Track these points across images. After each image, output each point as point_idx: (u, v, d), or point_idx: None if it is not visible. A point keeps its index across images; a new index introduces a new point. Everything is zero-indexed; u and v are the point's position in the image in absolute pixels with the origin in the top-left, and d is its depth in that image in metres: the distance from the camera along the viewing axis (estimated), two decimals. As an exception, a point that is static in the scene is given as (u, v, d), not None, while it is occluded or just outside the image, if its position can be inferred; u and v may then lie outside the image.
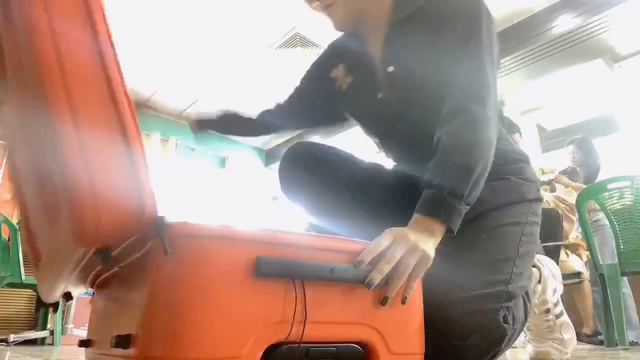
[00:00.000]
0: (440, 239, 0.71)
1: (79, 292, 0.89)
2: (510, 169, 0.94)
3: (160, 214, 0.52)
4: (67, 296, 0.88)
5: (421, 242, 0.65)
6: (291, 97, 1.21)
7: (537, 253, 1.03)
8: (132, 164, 0.51)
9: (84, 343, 0.82)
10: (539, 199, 0.95)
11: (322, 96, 1.12)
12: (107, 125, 0.52)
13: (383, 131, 1.04)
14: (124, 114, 0.53)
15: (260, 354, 0.51)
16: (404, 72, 0.93)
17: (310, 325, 0.54)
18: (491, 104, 0.82)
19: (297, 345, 0.53)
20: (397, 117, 0.98)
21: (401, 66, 0.93)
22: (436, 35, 0.89)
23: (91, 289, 0.87)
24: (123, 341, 0.51)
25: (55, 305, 0.93)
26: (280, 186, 1.07)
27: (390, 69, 0.95)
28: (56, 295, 0.85)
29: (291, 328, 0.52)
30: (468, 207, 0.75)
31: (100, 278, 0.78)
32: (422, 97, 0.92)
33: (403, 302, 0.62)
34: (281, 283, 0.53)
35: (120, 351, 0.53)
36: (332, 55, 1.11)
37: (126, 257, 0.60)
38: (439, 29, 0.89)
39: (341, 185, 1.02)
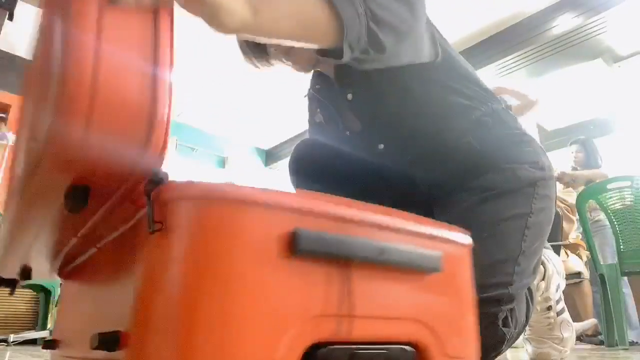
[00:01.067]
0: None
1: (41, 274, 0.75)
2: (505, 156, 0.89)
3: (161, 167, 0.39)
4: (25, 274, 0.72)
5: None
6: None
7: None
8: (153, 76, 0.39)
9: (48, 345, 0.70)
10: (545, 178, 0.87)
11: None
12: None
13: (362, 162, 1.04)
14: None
15: (298, 358, 0.40)
16: (361, 96, 0.92)
17: (357, 320, 0.43)
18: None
19: (343, 347, 0.42)
20: (374, 143, 0.98)
21: (356, 91, 0.92)
22: None
23: (59, 278, 0.74)
24: (109, 341, 0.40)
25: (12, 285, 0.75)
26: (290, 179, 1.08)
27: (349, 96, 0.94)
28: (13, 266, 0.70)
29: (337, 324, 0.41)
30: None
31: (72, 265, 0.67)
32: (389, 114, 0.91)
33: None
34: (322, 265, 0.42)
35: (103, 354, 0.41)
36: (311, 103, 1.12)
37: (107, 232, 0.49)
38: None
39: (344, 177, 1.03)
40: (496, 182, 0.86)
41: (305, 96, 1.12)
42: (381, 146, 0.98)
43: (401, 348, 0.46)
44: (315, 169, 1.05)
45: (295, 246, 0.39)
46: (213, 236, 0.38)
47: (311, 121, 1.13)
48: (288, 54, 0.92)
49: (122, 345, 0.40)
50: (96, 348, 0.40)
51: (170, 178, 0.40)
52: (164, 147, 0.39)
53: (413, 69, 0.84)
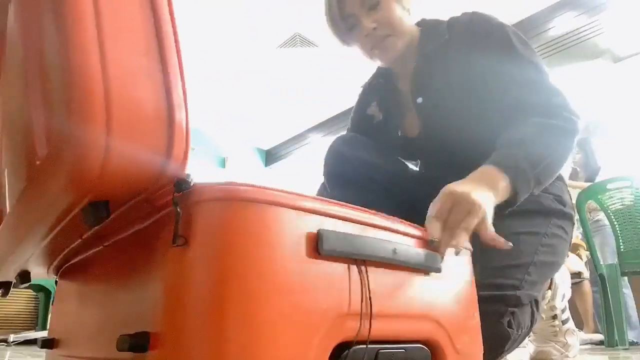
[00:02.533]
0: (500, 198, 0.68)
1: (39, 275, 0.74)
2: None
3: (186, 172, 0.39)
4: (23, 277, 0.70)
5: (474, 191, 0.62)
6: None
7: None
8: (165, 79, 0.37)
9: (47, 344, 0.68)
10: (565, 215, 0.92)
11: (366, 135, 1.12)
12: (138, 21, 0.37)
13: (415, 162, 1.08)
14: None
15: (327, 357, 0.41)
16: (432, 103, 0.95)
17: (376, 319, 0.45)
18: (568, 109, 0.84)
19: (369, 346, 0.44)
20: (427, 150, 1.00)
21: (429, 97, 0.96)
22: (465, 61, 0.91)
23: (55, 277, 0.72)
24: (138, 342, 0.38)
25: (6, 288, 0.75)
26: (325, 172, 1.06)
27: (419, 100, 0.97)
28: (9, 271, 0.69)
29: (360, 323, 0.43)
30: (534, 188, 0.74)
31: (70, 263, 0.65)
32: (454, 126, 0.93)
33: (457, 253, 0.58)
34: (344, 265, 0.43)
35: (129, 355, 0.40)
36: (366, 95, 1.13)
37: (117, 231, 0.49)
38: (467, 55, 0.91)
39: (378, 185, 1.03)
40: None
41: (361, 87, 1.14)
42: (429, 156, 1.01)
43: (418, 347, 0.49)
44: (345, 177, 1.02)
45: (320, 246, 0.41)
46: (243, 237, 0.38)
47: (360, 112, 1.13)
48: (383, 43, 0.93)
49: (153, 346, 0.39)
50: (126, 349, 0.38)
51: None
52: (186, 154, 0.38)
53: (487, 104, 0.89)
